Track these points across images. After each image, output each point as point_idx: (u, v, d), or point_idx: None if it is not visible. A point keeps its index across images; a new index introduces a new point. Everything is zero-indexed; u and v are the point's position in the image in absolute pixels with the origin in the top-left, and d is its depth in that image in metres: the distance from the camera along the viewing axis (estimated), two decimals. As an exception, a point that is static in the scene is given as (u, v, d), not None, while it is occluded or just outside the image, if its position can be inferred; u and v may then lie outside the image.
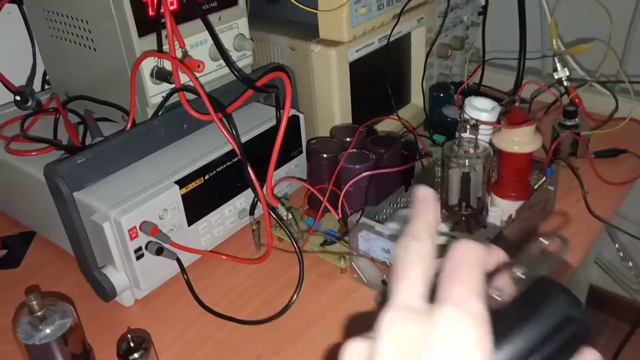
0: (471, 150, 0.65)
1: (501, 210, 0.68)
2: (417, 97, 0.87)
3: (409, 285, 0.25)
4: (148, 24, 0.61)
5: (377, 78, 0.79)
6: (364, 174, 0.64)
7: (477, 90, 0.88)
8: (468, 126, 0.67)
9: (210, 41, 0.65)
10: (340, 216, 0.64)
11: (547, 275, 0.26)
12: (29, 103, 0.64)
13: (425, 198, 0.28)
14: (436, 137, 0.83)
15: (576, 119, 0.80)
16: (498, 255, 0.27)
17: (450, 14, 0.85)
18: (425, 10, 0.79)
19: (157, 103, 0.64)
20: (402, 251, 0.26)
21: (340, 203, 0.64)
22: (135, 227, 0.56)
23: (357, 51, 0.72)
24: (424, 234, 0.27)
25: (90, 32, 0.63)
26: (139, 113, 0.64)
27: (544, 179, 0.69)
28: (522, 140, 0.66)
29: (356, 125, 0.72)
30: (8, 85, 0.72)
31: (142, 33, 0.60)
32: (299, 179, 0.71)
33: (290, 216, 0.63)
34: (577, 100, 0.86)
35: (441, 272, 0.25)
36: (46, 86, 0.79)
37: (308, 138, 0.72)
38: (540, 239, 0.27)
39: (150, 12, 0.61)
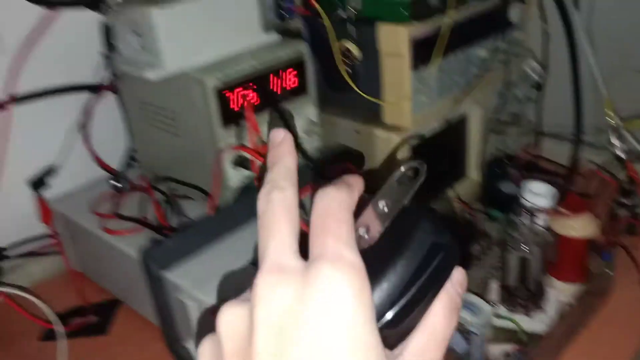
0: (529, 236, 0.68)
1: (559, 293, 0.70)
2: (473, 172, 0.90)
3: (279, 242, 0.23)
4: (230, 116, 0.67)
5: (435, 156, 0.83)
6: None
7: (533, 164, 0.91)
8: (525, 212, 0.70)
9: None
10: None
11: (409, 205, 0.25)
12: (124, 186, 0.72)
13: (281, 141, 0.27)
14: (492, 212, 0.85)
15: (634, 197, 0.81)
16: (359, 188, 0.26)
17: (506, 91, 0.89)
18: (482, 91, 0.84)
19: (235, 187, 0.70)
20: (265, 203, 0.25)
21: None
22: (216, 305, 0.61)
23: (418, 134, 0.76)
24: (285, 181, 0.25)
25: (178, 121, 0.70)
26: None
27: (602, 263, 0.71)
28: (579, 226, 0.69)
29: (415, 204, 0.76)
30: (107, 169, 0.81)
31: (225, 124, 0.67)
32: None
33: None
34: (635, 177, 0.87)
35: (310, 225, 0.24)
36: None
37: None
38: (401, 167, 0.26)
39: (233, 106, 0.67)
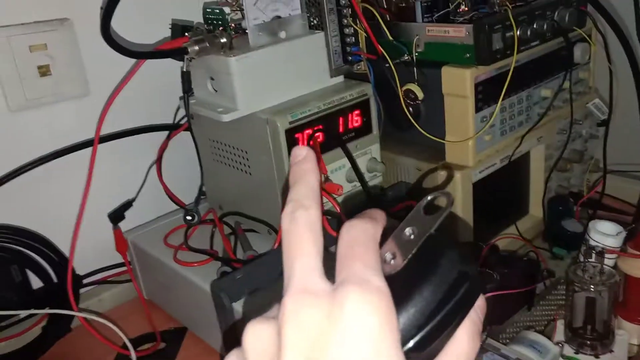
0: (597, 276, 0.67)
1: (628, 334, 0.68)
2: (535, 208, 0.90)
3: (305, 263, 0.23)
4: (297, 155, 0.70)
5: (498, 193, 0.83)
6: (489, 294, 0.68)
7: (599, 202, 0.89)
8: (593, 252, 0.69)
9: (348, 165, 0.74)
10: (465, 333, 0.68)
11: (436, 233, 0.25)
12: (195, 220, 0.76)
13: (303, 159, 0.26)
14: (556, 250, 0.84)
15: None
16: (383, 222, 0.26)
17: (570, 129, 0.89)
18: (545, 129, 0.84)
19: (301, 223, 0.72)
20: (288, 222, 0.24)
21: (466, 321, 0.68)
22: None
23: (480, 172, 0.77)
24: (308, 200, 0.25)
25: (248, 160, 0.74)
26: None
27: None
28: (650, 268, 0.67)
29: (478, 242, 0.76)
30: (179, 203, 0.85)
31: (292, 162, 0.70)
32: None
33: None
34: None
35: (336, 253, 0.24)
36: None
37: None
38: (428, 196, 0.26)
39: (301, 143, 0.71)
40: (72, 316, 0.79)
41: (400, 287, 0.23)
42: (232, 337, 0.66)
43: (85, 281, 0.86)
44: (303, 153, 0.26)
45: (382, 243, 0.25)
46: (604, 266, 0.68)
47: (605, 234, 0.71)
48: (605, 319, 0.67)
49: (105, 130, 0.79)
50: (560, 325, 0.70)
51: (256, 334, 0.23)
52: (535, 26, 0.71)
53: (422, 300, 0.23)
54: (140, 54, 0.70)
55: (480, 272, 0.25)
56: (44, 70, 0.76)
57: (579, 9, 0.77)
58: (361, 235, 0.24)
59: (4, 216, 0.77)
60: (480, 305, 0.25)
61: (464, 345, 0.24)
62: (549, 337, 0.67)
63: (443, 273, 0.24)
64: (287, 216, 0.24)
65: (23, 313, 0.77)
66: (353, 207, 0.76)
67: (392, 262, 0.24)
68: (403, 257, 0.25)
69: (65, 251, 0.81)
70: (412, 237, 0.25)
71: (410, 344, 0.23)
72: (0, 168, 0.76)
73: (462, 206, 0.76)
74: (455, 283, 0.24)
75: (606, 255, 0.70)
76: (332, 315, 0.21)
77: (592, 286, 0.66)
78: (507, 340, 0.67)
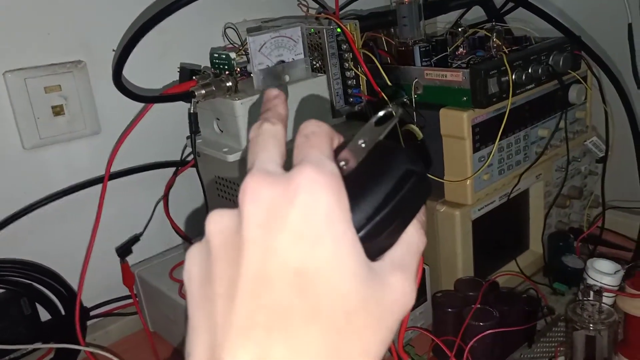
0: (595, 315, 0.68)
1: (629, 372, 0.68)
2: (535, 244, 0.91)
3: (267, 154, 0.25)
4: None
5: (498, 230, 0.84)
6: (489, 331, 0.69)
7: (599, 238, 0.90)
8: (592, 291, 0.70)
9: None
10: (465, 370, 0.68)
11: (384, 140, 0.27)
12: (201, 255, 0.78)
13: (276, 95, 0.29)
14: (557, 286, 0.85)
15: None
16: (340, 137, 0.28)
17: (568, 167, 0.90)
18: (543, 167, 0.85)
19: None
20: (255, 130, 0.27)
21: (465, 358, 0.69)
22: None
23: (479, 210, 0.78)
24: (275, 119, 0.27)
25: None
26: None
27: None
28: (649, 307, 0.67)
29: (478, 278, 0.77)
30: (185, 237, 0.88)
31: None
32: (425, 330, 0.76)
33: (419, 370, 0.68)
34: None
35: (293, 145, 0.26)
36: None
37: (432, 287, 0.79)
38: (378, 112, 0.28)
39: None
40: (78, 350, 0.80)
41: (352, 187, 0.24)
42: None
43: (92, 313, 0.88)
44: (274, 93, 0.29)
45: (338, 154, 0.27)
46: (603, 305, 0.68)
47: (603, 272, 0.72)
48: (606, 356, 0.68)
49: (116, 167, 0.81)
50: (561, 362, 0.70)
51: (217, 219, 0.25)
52: (530, 70, 0.73)
53: (371, 195, 0.25)
54: (149, 98, 0.73)
55: (427, 172, 0.27)
56: (57, 110, 0.79)
57: (573, 53, 0.79)
58: (317, 129, 0.26)
59: (16, 251, 0.79)
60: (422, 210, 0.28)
61: (414, 237, 0.27)
62: (549, 375, 0.68)
63: (390, 171, 0.26)
64: (255, 128, 0.27)
65: (30, 347, 0.78)
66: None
67: (345, 167, 0.26)
68: (355, 161, 0.27)
69: (74, 285, 0.83)
70: (363, 145, 0.27)
71: (361, 233, 0.24)
72: (14, 204, 0.78)
73: (462, 243, 0.77)
74: (402, 180, 0.26)
75: (604, 294, 0.71)
76: (288, 191, 0.23)
77: (591, 325, 0.67)
78: (507, 378, 0.67)
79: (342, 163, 0.26)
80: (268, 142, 0.26)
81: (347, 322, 0.23)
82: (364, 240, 0.24)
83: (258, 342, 0.22)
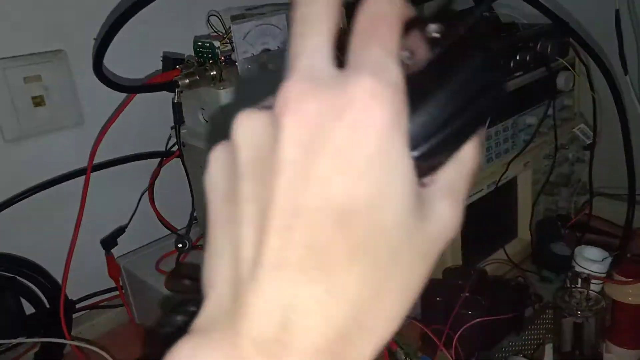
0: (583, 302, 0.68)
1: (617, 358, 0.69)
2: (523, 231, 0.91)
3: (313, 43, 0.20)
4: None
5: (486, 218, 0.84)
6: (477, 320, 0.69)
7: (587, 225, 0.91)
8: (579, 278, 0.70)
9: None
10: (455, 358, 0.68)
11: (466, 37, 0.22)
12: (187, 247, 0.77)
13: None
14: (545, 273, 0.85)
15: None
16: (411, 11, 0.22)
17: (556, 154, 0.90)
18: (531, 155, 0.85)
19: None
20: (301, 12, 0.21)
21: (454, 347, 0.69)
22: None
23: (467, 197, 0.78)
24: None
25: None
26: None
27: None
28: (636, 292, 0.68)
29: (466, 266, 0.77)
30: (171, 228, 0.87)
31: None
32: (414, 319, 0.76)
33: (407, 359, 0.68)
34: (693, 239, 0.85)
35: (354, 25, 0.21)
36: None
37: (421, 277, 0.78)
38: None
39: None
40: (64, 344, 0.79)
41: (415, 92, 0.20)
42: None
43: (78, 306, 0.87)
44: None
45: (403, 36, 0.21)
46: (591, 292, 0.69)
47: (591, 260, 0.72)
48: (593, 343, 0.68)
49: (99, 158, 0.80)
50: (549, 349, 0.70)
51: (249, 124, 0.20)
52: (518, 58, 0.73)
53: (435, 108, 0.20)
54: (131, 88, 0.71)
55: (506, 86, 0.21)
56: (38, 101, 0.77)
57: (561, 40, 0.79)
58: (388, 10, 0.21)
59: (-1, 244, 0.78)
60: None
61: (469, 157, 0.22)
62: (537, 363, 0.68)
63: (463, 81, 0.21)
64: (301, 7, 0.21)
65: (14, 341, 0.77)
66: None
67: (409, 62, 0.21)
68: (424, 58, 0.21)
69: (59, 278, 0.82)
70: (437, 35, 0.22)
71: (416, 153, 0.20)
72: (-6, 197, 0.77)
73: (450, 232, 0.77)
74: (479, 92, 0.21)
75: (592, 281, 0.71)
76: (339, 104, 0.19)
77: (579, 312, 0.67)
78: (496, 366, 0.68)
79: (407, 55, 0.21)
80: (322, 16, 0.21)
81: (392, 260, 0.20)
82: (417, 160, 0.20)
83: (290, 282, 0.19)
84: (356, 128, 0.19)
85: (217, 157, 0.22)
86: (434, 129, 0.20)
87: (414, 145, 0.20)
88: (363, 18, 0.21)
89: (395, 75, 0.20)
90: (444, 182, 0.22)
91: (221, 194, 0.22)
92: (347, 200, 0.19)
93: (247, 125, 0.20)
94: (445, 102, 0.20)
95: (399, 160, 0.20)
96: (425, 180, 0.22)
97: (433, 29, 0.22)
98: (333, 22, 0.21)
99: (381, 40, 0.20)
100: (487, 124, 0.23)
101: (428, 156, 0.21)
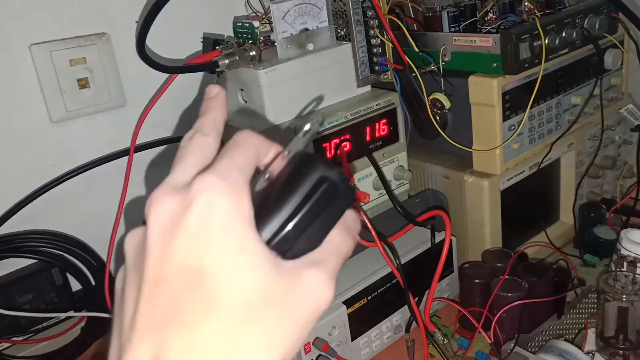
0: (629, 286, 0.66)
1: (663, 345, 0.67)
2: (565, 215, 0.89)
3: (182, 166, 0.26)
4: (325, 164, 0.71)
5: (527, 200, 0.83)
6: (517, 302, 0.68)
7: (632, 209, 0.88)
8: (625, 261, 0.68)
9: (375, 174, 0.75)
10: (493, 340, 0.68)
11: (303, 150, 0.28)
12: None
13: (215, 95, 0.30)
14: (587, 257, 0.83)
15: None
16: (277, 149, 0.29)
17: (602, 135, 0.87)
18: (576, 136, 0.83)
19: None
20: (185, 141, 0.28)
21: (493, 329, 0.68)
22: (309, 343, 0.65)
23: (508, 180, 0.77)
24: (209, 129, 0.28)
25: (277, 168, 0.75)
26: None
27: None
28: (684, 278, 0.66)
29: (506, 249, 0.76)
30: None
31: (319, 171, 0.71)
32: (452, 300, 0.76)
33: (446, 341, 0.68)
34: None
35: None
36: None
37: (459, 259, 0.78)
38: (306, 125, 0.29)
39: (328, 155, 0.72)
40: (109, 318, 0.82)
41: (267, 196, 0.26)
42: None
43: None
44: (215, 91, 0.30)
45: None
46: (637, 275, 0.67)
47: (637, 242, 0.70)
48: (638, 328, 0.66)
49: (141, 139, 0.82)
50: (591, 334, 0.69)
51: (132, 235, 0.27)
52: (564, 34, 0.71)
53: (283, 204, 0.26)
54: (173, 68, 0.72)
55: (346, 177, 0.28)
56: (83, 83, 0.79)
57: (609, 16, 0.76)
58: (242, 141, 0.27)
59: (47, 222, 0.81)
60: (352, 213, 0.29)
61: (336, 240, 0.28)
62: (579, 347, 0.67)
63: (303, 179, 0.26)
64: (186, 138, 0.28)
65: (62, 315, 0.80)
66: (384, 214, 0.76)
67: (268, 181, 0.28)
68: (276, 174, 0.28)
69: (103, 255, 0.84)
70: (287, 154, 0.29)
71: (275, 240, 0.26)
72: (43, 176, 0.79)
73: (490, 214, 0.76)
74: (314, 187, 0.26)
75: (638, 264, 0.69)
76: (189, 197, 0.24)
77: (624, 296, 0.65)
78: (536, 349, 0.67)
79: (267, 175, 0.28)
80: (192, 154, 0.27)
81: (248, 312, 0.23)
82: (279, 247, 0.26)
83: (156, 339, 0.23)
84: (202, 211, 0.24)
85: (119, 271, 0.28)
86: (284, 220, 0.26)
87: (272, 237, 0.26)
88: (228, 143, 0.27)
89: (236, 175, 0.25)
90: (313, 255, 0.27)
91: (119, 290, 0.27)
92: (198, 265, 0.24)
93: (131, 236, 0.27)
94: (289, 198, 0.26)
95: (244, 234, 0.24)
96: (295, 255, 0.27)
97: (285, 152, 0.29)
98: (206, 160, 0.27)
99: (231, 156, 0.26)
100: (341, 212, 0.28)
101: (287, 241, 0.26)
